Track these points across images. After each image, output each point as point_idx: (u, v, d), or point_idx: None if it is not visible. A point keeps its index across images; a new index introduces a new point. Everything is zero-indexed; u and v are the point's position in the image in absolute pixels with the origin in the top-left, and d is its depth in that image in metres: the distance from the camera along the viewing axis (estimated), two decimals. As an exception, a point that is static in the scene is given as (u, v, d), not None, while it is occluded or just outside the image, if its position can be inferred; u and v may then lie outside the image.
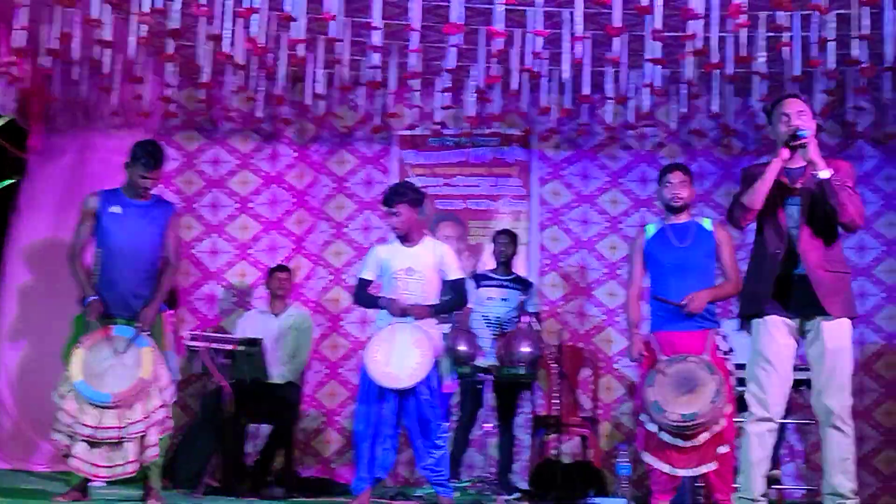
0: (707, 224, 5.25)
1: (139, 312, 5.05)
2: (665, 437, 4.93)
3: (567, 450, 7.04)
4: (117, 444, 4.85)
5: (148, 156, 5.12)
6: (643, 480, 7.20)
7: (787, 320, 4.33)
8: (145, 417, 4.89)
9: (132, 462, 4.88)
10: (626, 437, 7.41)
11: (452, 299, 5.59)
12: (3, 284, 7.32)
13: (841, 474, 4.23)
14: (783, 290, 4.31)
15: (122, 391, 4.81)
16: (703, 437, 4.89)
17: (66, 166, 7.48)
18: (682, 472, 4.96)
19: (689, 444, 4.90)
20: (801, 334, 4.36)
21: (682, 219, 5.25)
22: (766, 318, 4.33)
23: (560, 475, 6.07)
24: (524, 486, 6.61)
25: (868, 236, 7.48)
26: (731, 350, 5.18)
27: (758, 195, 4.28)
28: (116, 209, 5.13)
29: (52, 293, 6.80)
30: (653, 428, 4.98)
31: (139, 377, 4.86)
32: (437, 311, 5.48)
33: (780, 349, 4.32)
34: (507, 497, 6.10)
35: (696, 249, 5.15)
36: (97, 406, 4.80)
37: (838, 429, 4.23)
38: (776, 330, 4.32)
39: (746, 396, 4.36)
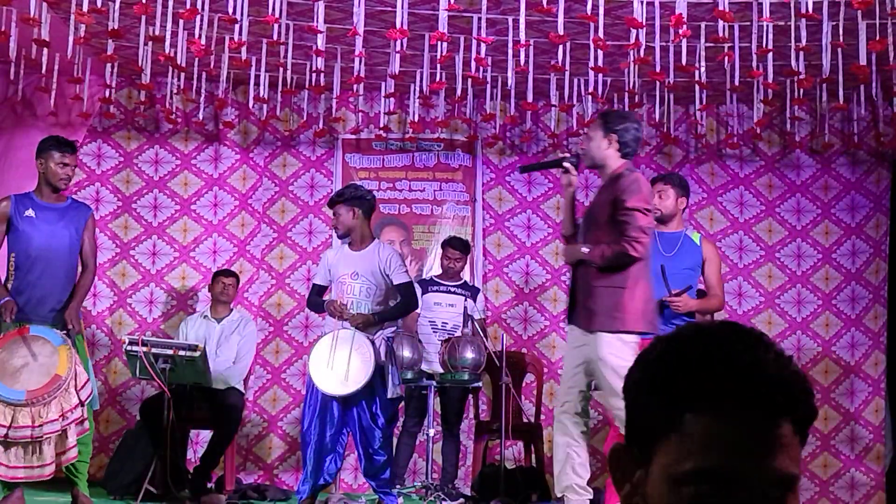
0: (696, 238, 5.31)
1: (59, 314, 5.00)
2: None
3: (510, 455, 7.06)
4: (32, 444, 4.75)
5: (61, 143, 5.08)
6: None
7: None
8: (61, 416, 4.79)
9: (49, 464, 4.78)
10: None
11: (400, 304, 5.58)
12: None
13: None
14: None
15: (36, 388, 4.72)
16: None
17: (4, 165, 7.32)
18: None
19: None
20: None
21: (672, 228, 5.29)
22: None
23: (503, 480, 6.09)
24: (468, 491, 6.62)
25: (805, 244, 7.63)
26: None
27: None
28: (30, 213, 5.06)
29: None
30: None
31: (55, 374, 4.77)
32: (382, 317, 5.46)
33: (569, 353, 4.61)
34: (451, 503, 6.10)
35: (680, 260, 5.18)
36: (10, 404, 4.70)
37: None
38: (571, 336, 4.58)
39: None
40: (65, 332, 4.94)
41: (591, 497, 4.42)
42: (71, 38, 5.69)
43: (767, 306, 7.60)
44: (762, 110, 6.66)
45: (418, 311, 6.37)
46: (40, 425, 4.73)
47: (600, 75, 6.16)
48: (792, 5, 5.53)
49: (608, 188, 4.46)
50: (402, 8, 5.28)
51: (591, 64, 5.86)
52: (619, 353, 4.27)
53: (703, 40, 5.84)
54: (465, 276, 7.18)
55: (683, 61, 5.77)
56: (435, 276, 6.93)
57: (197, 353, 6.05)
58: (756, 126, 6.96)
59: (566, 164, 4.66)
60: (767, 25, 5.43)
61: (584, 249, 4.40)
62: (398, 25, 5.31)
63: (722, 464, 1.01)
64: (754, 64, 5.83)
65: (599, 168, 4.56)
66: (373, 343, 5.29)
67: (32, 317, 4.97)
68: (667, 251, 5.21)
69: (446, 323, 6.68)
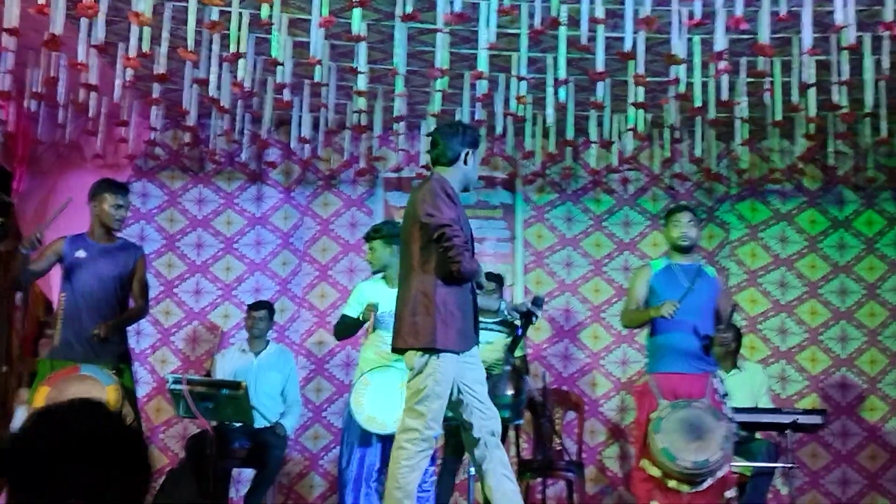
0: (710, 271, 5.30)
1: (106, 353, 5.03)
2: (671, 483, 4.92)
3: (552, 494, 7.00)
4: None
5: (115, 186, 5.15)
6: (628, 524, 7.19)
7: None
8: None
9: None
10: (610, 481, 7.39)
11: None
12: None
13: None
14: None
15: None
16: (708, 482, 4.89)
17: (49, 206, 7.43)
18: None
19: (693, 489, 4.90)
20: None
21: (688, 260, 5.28)
22: None
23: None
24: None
25: (850, 280, 7.55)
26: (726, 394, 5.17)
27: None
28: (80, 253, 5.12)
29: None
30: (656, 473, 4.96)
31: None
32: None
33: None
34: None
35: (700, 292, 5.16)
36: None
37: None
38: None
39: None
40: (114, 370, 4.99)
41: None
42: (118, 82, 5.81)
43: (811, 343, 7.51)
44: (804, 145, 6.61)
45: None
46: None
47: (640, 111, 6.16)
48: (832, 39, 5.51)
49: None
50: (443, 47, 5.34)
51: (631, 100, 5.86)
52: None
53: (743, 75, 5.83)
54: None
55: (724, 96, 5.76)
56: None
57: (240, 392, 6.08)
58: (798, 161, 6.92)
59: None
60: (809, 59, 5.41)
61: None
62: (438, 65, 5.36)
63: None
64: (796, 98, 5.80)
65: None
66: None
67: (81, 356, 5.03)
68: (688, 282, 5.19)
69: (483, 360, 6.61)
